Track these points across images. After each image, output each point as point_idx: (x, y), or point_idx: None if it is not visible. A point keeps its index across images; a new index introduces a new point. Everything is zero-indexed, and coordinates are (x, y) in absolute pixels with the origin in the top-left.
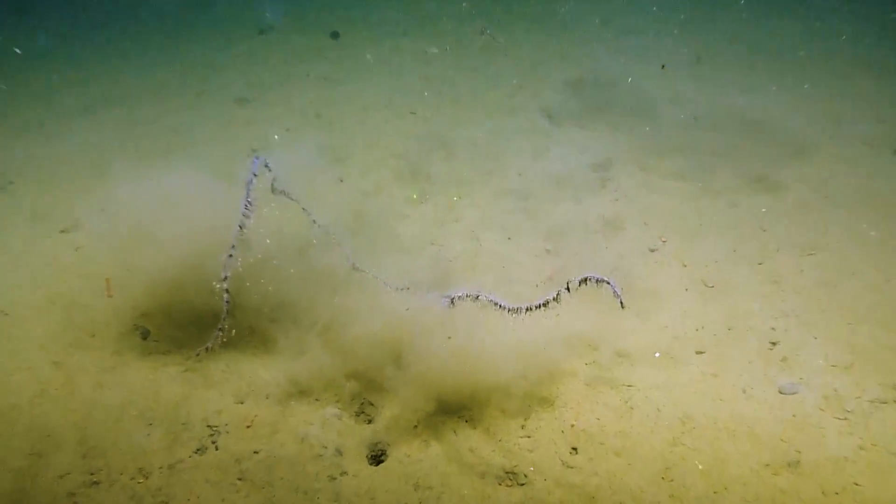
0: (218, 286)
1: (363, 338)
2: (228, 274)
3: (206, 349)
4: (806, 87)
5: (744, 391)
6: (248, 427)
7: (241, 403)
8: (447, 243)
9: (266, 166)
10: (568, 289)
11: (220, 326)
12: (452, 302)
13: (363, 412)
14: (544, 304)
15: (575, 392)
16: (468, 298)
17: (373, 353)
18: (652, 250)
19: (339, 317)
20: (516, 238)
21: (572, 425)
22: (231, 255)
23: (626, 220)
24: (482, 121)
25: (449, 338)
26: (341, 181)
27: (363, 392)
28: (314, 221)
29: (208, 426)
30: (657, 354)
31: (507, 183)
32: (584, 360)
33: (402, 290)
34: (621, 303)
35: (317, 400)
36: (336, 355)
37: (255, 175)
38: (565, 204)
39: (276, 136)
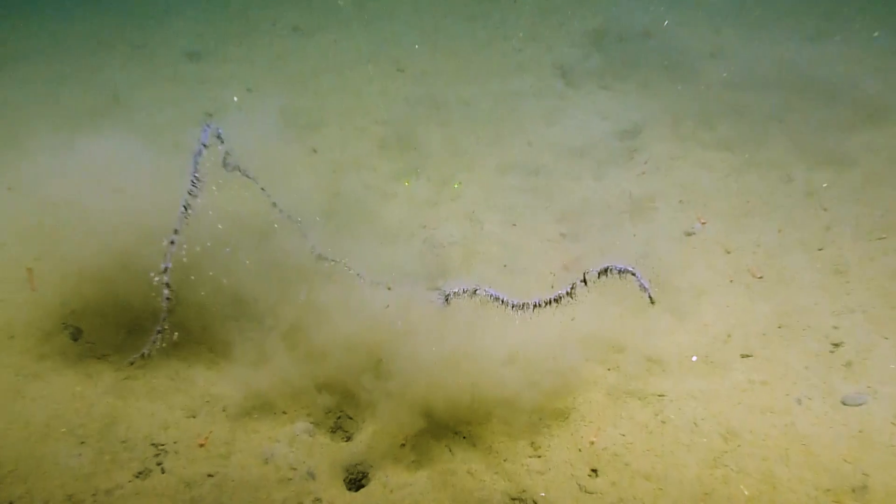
0: (157, 279)
1: (337, 341)
2: (169, 265)
3: (143, 355)
4: (877, 35)
5: (799, 402)
6: (200, 446)
7: (193, 418)
8: (441, 227)
9: (218, 136)
10: (585, 281)
11: (158, 328)
12: (447, 299)
13: (340, 427)
14: (556, 300)
15: (595, 404)
16: (465, 294)
17: (349, 359)
18: (689, 234)
19: (308, 316)
20: (525, 221)
21: (592, 443)
22: (172, 242)
23: (657, 198)
24: (484, 80)
25: (434, 348)
26: (314, 152)
27: (340, 404)
28: (274, 204)
29: (153, 445)
30: (694, 358)
31: (514, 155)
32: (607, 366)
33: (378, 284)
34: (650, 297)
35: (284, 413)
36: (305, 361)
37: (204, 146)
38: (584, 180)
39: (234, 98)
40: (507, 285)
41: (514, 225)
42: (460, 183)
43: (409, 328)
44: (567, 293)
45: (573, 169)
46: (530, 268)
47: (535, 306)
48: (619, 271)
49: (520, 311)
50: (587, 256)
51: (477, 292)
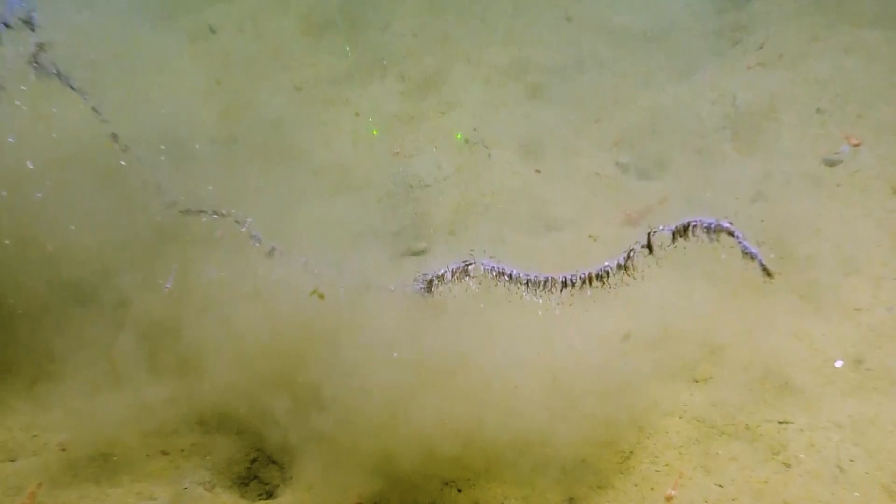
0: None
1: (228, 348)
2: None
3: None
4: None
5: None
6: None
7: (11, 462)
8: (421, 157)
9: (29, 19)
10: (649, 246)
11: None
12: (430, 286)
13: (256, 478)
14: (600, 276)
15: (673, 439)
16: (456, 275)
17: (251, 376)
18: (831, 163)
19: (180, 308)
20: (558, 146)
21: (669, 499)
22: None
23: (778, 103)
24: None
25: (401, 359)
26: (213, 32)
27: (255, 443)
28: (114, 136)
29: None
30: (839, 364)
31: (542, 39)
32: (692, 378)
33: (300, 255)
34: (764, 269)
35: (163, 455)
36: (179, 376)
37: (4, 25)
38: (658, 79)
39: None
40: (525, 254)
41: (540, 153)
42: (467, 137)
43: (359, 328)
44: (620, 265)
45: (640, 61)
46: (566, 224)
47: (564, 284)
48: (709, 229)
49: (540, 294)
50: (663, 203)
51: (470, 268)
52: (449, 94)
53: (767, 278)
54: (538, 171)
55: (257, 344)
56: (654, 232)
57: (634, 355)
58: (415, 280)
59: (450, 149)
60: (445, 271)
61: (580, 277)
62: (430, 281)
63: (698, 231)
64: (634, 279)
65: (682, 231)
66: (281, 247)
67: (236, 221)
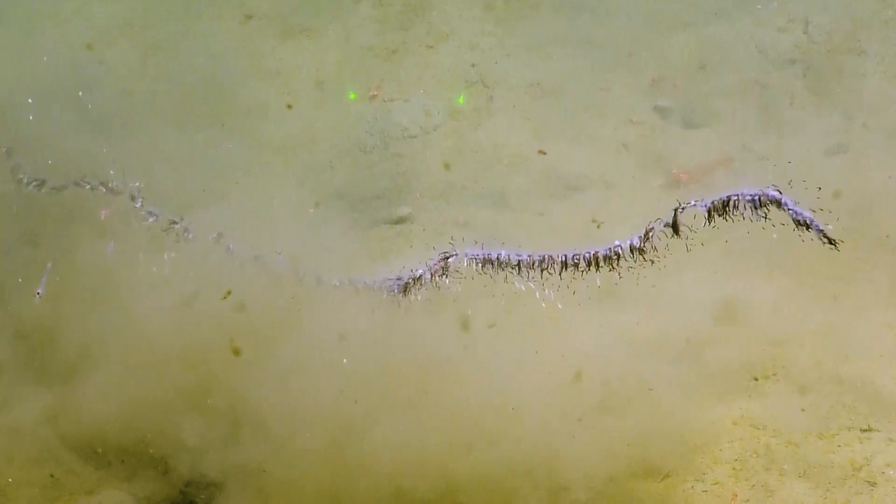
0: None
1: (126, 351)
2: None
3: None
4: None
5: None
6: None
7: None
8: (405, 100)
9: None
10: (675, 225)
11: None
12: (406, 288)
13: None
14: (609, 259)
15: (726, 453)
16: (433, 274)
17: (159, 388)
18: None
19: (61, 301)
20: (575, 86)
21: None
22: None
23: (863, 31)
24: None
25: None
26: None
27: (165, 483)
28: None
29: None
30: None
31: None
32: (750, 377)
33: (186, 235)
34: (824, 236)
35: (51, 478)
36: (61, 385)
37: None
38: None
39: None
40: (536, 222)
41: (556, 96)
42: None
43: (300, 328)
44: (635, 247)
45: None
46: (589, 184)
47: (565, 266)
48: (755, 202)
49: (536, 278)
50: (726, 164)
51: (451, 261)
52: (440, 21)
53: (831, 246)
54: (542, 153)
55: (161, 352)
56: (683, 208)
57: (667, 356)
58: (385, 282)
59: (441, 91)
60: (423, 271)
61: (584, 258)
62: (406, 285)
63: (741, 205)
64: (654, 264)
65: (722, 207)
66: (198, 226)
67: (132, 197)
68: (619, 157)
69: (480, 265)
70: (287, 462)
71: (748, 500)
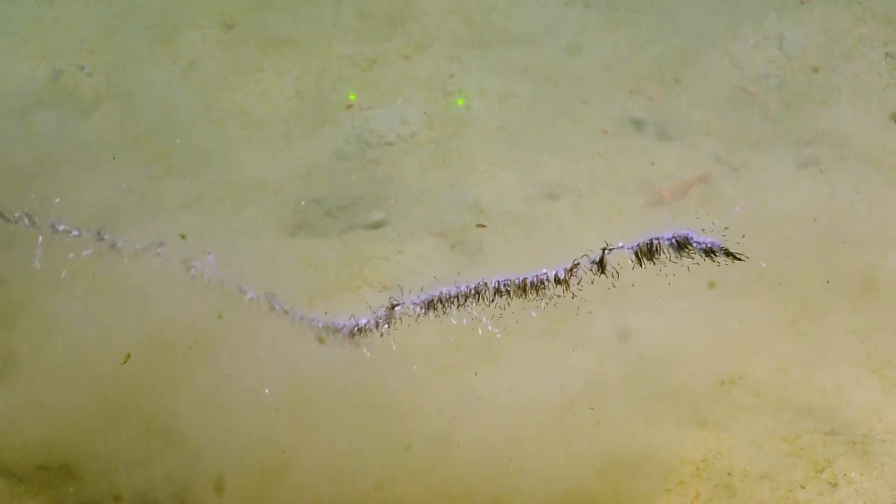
0: None
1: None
2: None
3: None
4: None
5: None
6: None
7: None
8: (383, 108)
9: None
10: (602, 263)
11: None
12: (358, 330)
13: None
14: (536, 286)
15: (691, 453)
16: (379, 324)
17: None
18: None
19: None
20: (551, 96)
21: None
22: None
23: (837, 46)
24: None
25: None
26: None
27: None
28: None
29: None
30: None
31: None
32: (710, 399)
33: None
34: (728, 253)
35: None
36: None
37: None
38: (685, 11)
39: None
40: (514, 228)
41: (532, 105)
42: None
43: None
44: (559, 279)
45: None
46: (565, 192)
47: (498, 292)
48: (672, 244)
49: (476, 308)
50: (702, 181)
51: (397, 310)
52: (418, 33)
53: (740, 261)
54: (482, 226)
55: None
56: (609, 249)
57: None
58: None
59: (418, 100)
60: (368, 320)
61: (516, 284)
62: (351, 332)
63: (664, 248)
64: (574, 297)
65: (647, 250)
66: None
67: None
68: (594, 167)
69: (425, 309)
70: (211, 478)
71: (710, 500)
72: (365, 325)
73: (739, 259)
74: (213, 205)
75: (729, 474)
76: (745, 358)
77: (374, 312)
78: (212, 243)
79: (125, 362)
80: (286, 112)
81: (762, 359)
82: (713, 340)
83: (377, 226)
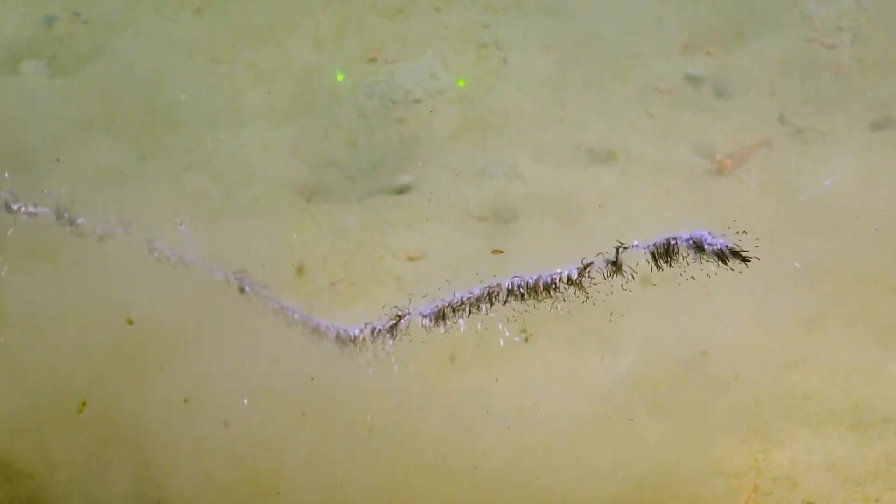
0: None
1: None
2: None
3: None
4: None
5: None
6: None
7: None
8: (410, 62)
9: None
10: (617, 263)
11: None
12: (342, 346)
13: None
14: (548, 288)
15: (740, 477)
16: (376, 335)
17: None
18: None
19: None
20: (597, 49)
21: None
22: None
23: None
24: None
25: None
26: None
27: None
28: None
29: None
30: None
31: None
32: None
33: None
34: (737, 255)
35: None
36: None
37: None
38: None
39: None
40: (552, 193)
41: (575, 59)
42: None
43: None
44: (572, 279)
45: None
46: (610, 155)
47: (511, 294)
48: (692, 244)
49: (490, 311)
50: (763, 145)
51: (403, 323)
52: None
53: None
54: (499, 251)
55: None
56: (624, 248)
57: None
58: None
59: (450, 52)
60: (362, 330)
61: (528, 285)
62: (343, 342)
63: (682, 249)
64: (588, 298)
65: (664, 251)
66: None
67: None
68: (644, 127)
69: (435, 320)
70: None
71: (770, 493)
72: (358, 334)
73: (748, 261)
74: (221, 166)
75: (790, 466)
76: (808, 345)
77: (373, 326)
78: (221, 209)
79: (80, 412)
80: (303, 65)
81: (826, 344)
82: (772, 330)
83: (402, 191)
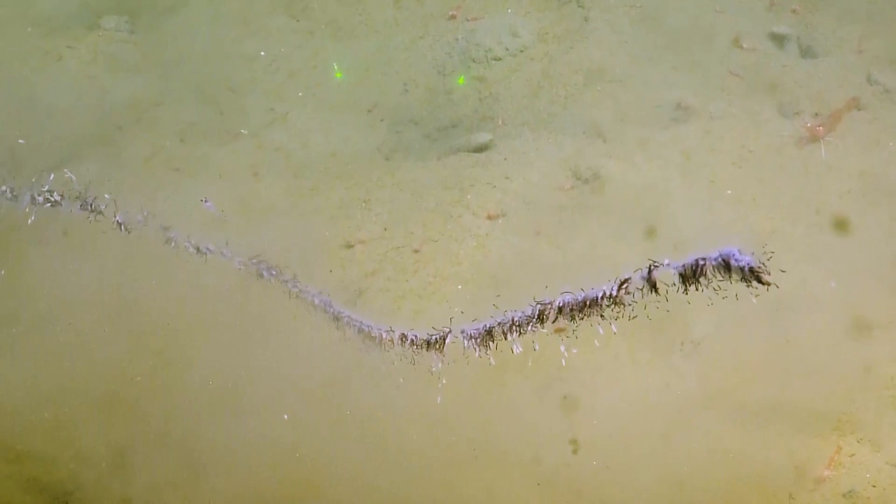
0: None
1: None
2: None
3: None
4: None
5: None
6: None
7: None
8: (490, 19)
9: None
10: (651, 281)
11: None
12: (376, 343)
13: None
14: (592, 304)
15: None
16: (416, 346)
17: None
18: None
19: None
20: (681, 6)
21: (821, 481)
22: None
23: None
24: None
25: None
26: None
27: None
28: None
29: None
30: None
31: None
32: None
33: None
34: (761, 280)
35: None
36: None
37: None
38: None
39: None
40: (635, 153)
41: (659, 16)
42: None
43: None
44: (611, 296)
45: None
46: (693, 115)
47: (561, 312)
48: (721, 265)
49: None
50: (852, 106)
51: (447, 341)
52: None
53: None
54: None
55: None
56: (656, 266)
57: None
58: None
59: (530, 9)
60: (389, 333)
61: (576, 304)
62: (375, 339)
63: (709, 270)
64: (630, 312)
65: (693, 272)
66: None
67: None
68: (728, 86)
69: (479, 341)
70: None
71: (853, 454)
72: (385, 337)
73: (768, 284)
74: (300, 122)
75: (874, 429)
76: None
77: (413, 335)
78: (298, 166)
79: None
80: (382, 22)
81: None
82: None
83: (482, 149)
